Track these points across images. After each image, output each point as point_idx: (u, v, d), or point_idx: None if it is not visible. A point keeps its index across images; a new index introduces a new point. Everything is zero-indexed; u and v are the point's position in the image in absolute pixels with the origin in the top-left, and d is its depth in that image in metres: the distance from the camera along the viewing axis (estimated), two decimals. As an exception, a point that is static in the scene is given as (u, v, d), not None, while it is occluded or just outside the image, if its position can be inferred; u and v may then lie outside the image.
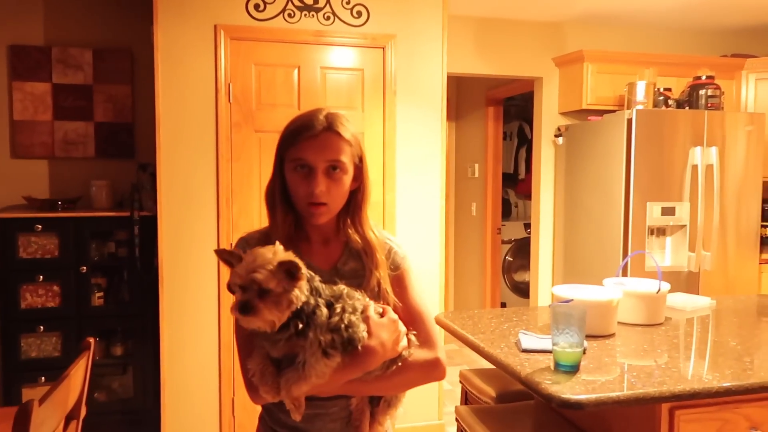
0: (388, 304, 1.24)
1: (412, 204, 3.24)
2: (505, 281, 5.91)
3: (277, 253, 1.09)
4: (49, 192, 3.53)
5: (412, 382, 1.24)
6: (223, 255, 1.12)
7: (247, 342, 1.19)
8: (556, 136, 4.23)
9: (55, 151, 3.49)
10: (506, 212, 6.31)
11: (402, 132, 3.26)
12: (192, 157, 3.01)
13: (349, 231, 1.29)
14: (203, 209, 3.05)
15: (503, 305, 5.77)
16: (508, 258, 5.97)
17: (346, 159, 1.23)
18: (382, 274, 1.27)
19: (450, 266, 6.00)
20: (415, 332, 1.26)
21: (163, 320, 3.04)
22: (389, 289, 1.27)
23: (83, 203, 3.45)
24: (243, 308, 1.06)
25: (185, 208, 3.02)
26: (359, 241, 1.28)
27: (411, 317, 1.27)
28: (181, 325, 3.06)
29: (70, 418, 1.38)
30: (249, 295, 1.07)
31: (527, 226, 5.79)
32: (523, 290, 5.84)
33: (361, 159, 1.28)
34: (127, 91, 3.56)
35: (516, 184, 6.53)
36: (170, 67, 2.95)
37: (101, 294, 3.32)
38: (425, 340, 1.27)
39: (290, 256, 1.09)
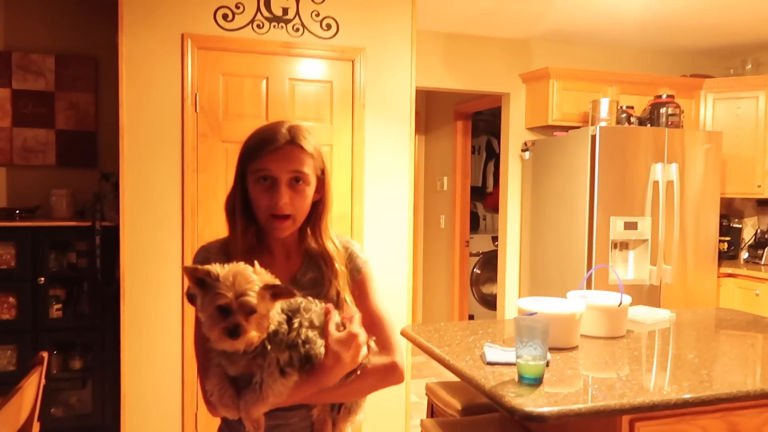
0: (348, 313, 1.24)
1: (380, 216, 3.24)
2: (473, 293, 5.94)
3: (259, 272, 1.08)
4: (6, 200, 3.42)
5: (370, 387, 1.25)
6: (195, 274, 1.07)
7: (207, 358, 1.17)
8: (523, 150, 4.29)
9: (14, 159, 3.40)
10: (474, 225, 6.36)
11: (370, 144, 3.26)
12: (157, 167, 2.96)
13: (310, 241, 1.30)
14: (168, 220, 2.99)
15: (471, 317, 5.80)
16: (476, 270, 6.01)
17: (309, 171, 1.24)
18: (342, 284, 1.28)
19: (418, 279, 6.02)
20: (374, 338, 1.26)
21: (124, 333, 2.96)
22: (348, 299, 1.28)
23: (42, 213, 3.35)
24: (233, 332, 1.04)
25: (149, 219, 2.96)
26: (319, 251, 1.29)
27: (370, 322, 1.28)
28: (142, 338, 2.99)
29: (21, 435, 1.33)
30: (238, 318, 1.04)
31: (495, 239, 5.85)
32: (490, 303, 5.88)
33: (323, 171, 1.28)
34: (91, 98, 3.49)
35: (484, 198, 6.59)
36: (135, 75, 2.90)
37: (59, 306, 3.23)
38: (384, 346, 1.28)
39: (272, 278, 1.09)
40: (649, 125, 3.93)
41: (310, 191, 1.25)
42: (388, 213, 3.27)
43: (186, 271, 1.07)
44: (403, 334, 2.19)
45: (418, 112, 5.95)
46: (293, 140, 1.22)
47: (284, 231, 1.24)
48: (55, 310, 3.22)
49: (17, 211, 3.19)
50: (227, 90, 3.01)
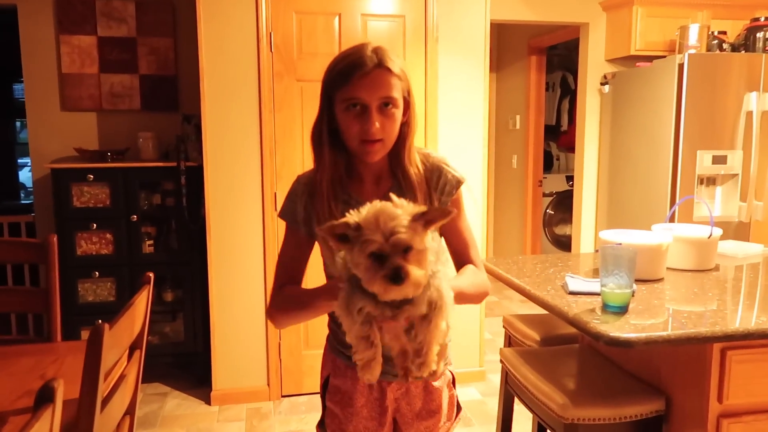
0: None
1: (454, 155, 3.21)
2: (546, 235, 5.86)
3: (400, 205, 0.98)
4: (98, 144, 3.63)
5: (475, 299, 1.32)
6: (334, 231, 0.97)
7: (287, 268, 1.31)
8: (602, 84, 4.11)
9: (103, 104, 3.57)
10: (548, 165, 6.21)
11: (444, 81, 3.21)
12: (235, 108, 3.03)
13: (397, 164, 1.29)
14: (247, 159, 3.09)
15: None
16: (549, 211, 5.91)
17: (398, 94, 1.22)
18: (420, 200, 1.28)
19: (490, 219, 5.98)
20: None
21: (211, 268, 3.13)
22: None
23: (131, 155, 3.54)
24: (396, 277, 0.92)
25: (230, 159, 3.07)
26: (403, 173, 1.29)
27: (462, 243, 1.34)
28: (228, 273, 3.15)
29: (134, 348, 1.46)
30: (396, 260, 0.93)
31: (569, 179, 5.70)
32: (564, 244, 5.79)
33: (409, 92, 1.27)
34: (170, 43, 3.59)
35: (558, 137, 6.39)
36: (212, 18, 2.95)
37: (151, 242, 3.44)
38: (477, 264, 1.35)
39: (416, 206, 0.99)
40: (743, 51, 3.65)
41: (399, 114, 1.23)
42: (462, 151, 3.24)
43: (323, 231, 0.99)
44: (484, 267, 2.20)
45: (490, 47, 5.77)
46: (381, 63, 1.19)
47: (376, 155, 1.24)
48: (147, 246, 3.43)
49: (109, 154, 3.38)
50: (301, 28, 3.02)
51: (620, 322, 1.52)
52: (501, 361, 2.08)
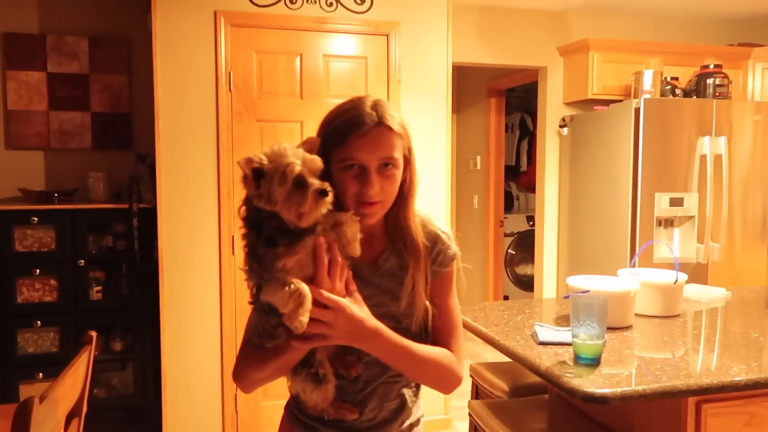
0: (421, 308, 1.17)
1: (419, 197, 3.16)
2: (508, 274, 5.85)
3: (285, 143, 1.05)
4: (45, 184, 3.45)
5: (430, 370, 1.18)
6: (251, 164, 1.00)
7: (251, 346, 1.14)
8: (561, 126, 4.17)
9: (51, 142, 3.41)
10: (508, 205, 6.25)
11: (406, 122, 3.18)
12: (192, 148, 2.93)
13: (394, 225, 1.20)
14: (204, 201, 2.97)
15: (506, 298, 5.72)
16: (510, 251, 5.92)
17: (398, 154, 1.13)
18: (418, 275, 1.18)
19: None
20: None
21: (163, 314, 2.97)
22: (422, 291, 1.18)
23: (80, 195, 3.37)
24: (323, 192, 0.99)
25: (185, 200, 2.95)
26: (402, 236, 1.19)
27: (447, 323, 1.21)
28: (181, 319, 3.00)
29: (71, 415, 1.32)
30: (316, 180, 1.00)
31: (529, 218, 5.74)
32: (525, 283, 5.79)
33: (409, 150, 1.19)
34: (124, 80, 3.48)
35: (518, 177, 6.47)
36: (169, 55, 2.87)
37: (99, 288, 3.25)
38: (456, 352, 1.21)
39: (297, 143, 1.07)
40: (695, 97, 3.77)
41: (399, 174, 1.15)
42: (426, 192, 3.21)
43: (242, 163, 1.01)
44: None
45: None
46: (381, 121, 1.11)
47: (374, 217, 1.15)
48: (95, 292, 3.24)
49: (56, 195, 3.21)
50: (261, 68, 2.96)
51: (593, 375, 1.47)
52: (469, 414, 1.99)
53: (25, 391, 3.16)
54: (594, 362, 1.54)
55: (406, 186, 1.19)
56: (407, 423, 1.25)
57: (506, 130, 6.09)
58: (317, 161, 1.03)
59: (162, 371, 2.99)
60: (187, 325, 3.01)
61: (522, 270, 5.96)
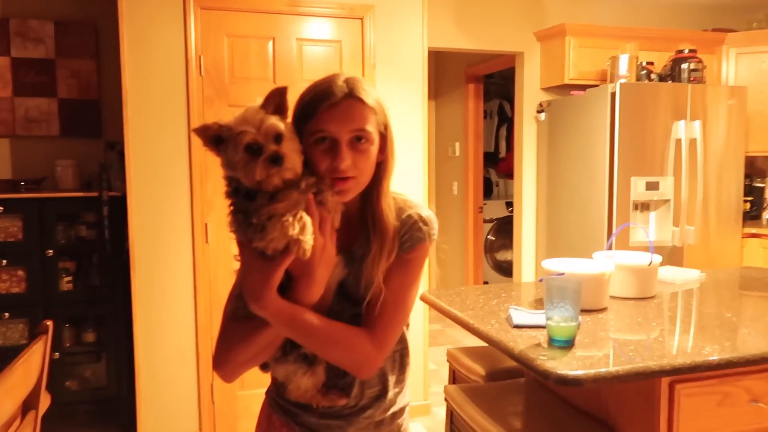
0: (377, 294, 1.11)
1: (393, 183, 3.13)
2: (487, 260, 5.86)
3: (257, 101, 1.05)
4: (11, 172, 3.35)
5: (335, 346, 1.10)
6: (207, 132, 1.01)
7: (230, 325, 1.10)
8: (538, 111, 4.16)
9: (17, 130, 3.31)
10: (488, 191, 6.26)
11: (384, 101, 3.14)
12: (162, 135, 2.86)
13: (368, 208, 1.14)
14: (176, 189, 2.91)
15: (485, 284, 5.73)
16: (490, 237, 5.93)
17: (372, 128, 1.09)
18: (381, 258, 1.11)
19: (431, 246, 5.93)
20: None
21: (136, 304, 2.91)
22: (380, 275, 1.11)
23: (49, 184, 3.28)
24: (275, 159, 0.98)
25: (156, 188, 2.88)
26: (372, 219, 1.13)
27: (382, 304, 1.11)
28: (155, 310, 2.94)
29: (28, 408, 1.27)
30: (271, 147, 0.99)
31: (509, 204, 5.74)
32: (505, 269, 5.80)
33: (386, 127, 1.14)
34: (92, 66, 3.38)
35: (497, 163, 6.47)
36: (137, 40, 2.79)
37: (69, 279, 3.17)
38: (377, 335, 1.11)
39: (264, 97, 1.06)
40: (670, 81, 3.78)
41: (374, 150, 1.11)
42: (402, 180, 3.17)
43: (197, 132, 1.01)
44: (423, 299, 2.11)
45: (428, 75, 5.79)
46: (352, 93, 1.07)
47: (347, 194, 1.10)
48: (66, 283, 3.16)
49: (22, 183, 3.12)
50: (232, 52, 2.89)
51: (567, 357, 1.45)
52: (446, 399, 1.98)
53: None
54: (568, 344, 1.52)
55: (383, 166, 1.14)
56: (390, 411, 1.21)
57: (485, 117, 6.07)
58: (276, 125, 1.01)
59: (135, 363, 2.93)
60: (161, 316, 2.95)
61: (502, 256, 5.97)
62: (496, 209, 5.91)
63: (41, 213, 3.05)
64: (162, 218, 2.91)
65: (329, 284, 1.09)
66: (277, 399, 1.23)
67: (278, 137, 1.00)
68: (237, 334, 1.09)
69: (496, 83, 6.25)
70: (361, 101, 1.08)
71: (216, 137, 1.01)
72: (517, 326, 1.69)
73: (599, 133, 3.58)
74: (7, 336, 3.10)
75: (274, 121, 1.01)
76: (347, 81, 1.09)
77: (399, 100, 3.19)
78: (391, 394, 1.20)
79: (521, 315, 1.74)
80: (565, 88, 4.04)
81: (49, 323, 1.25)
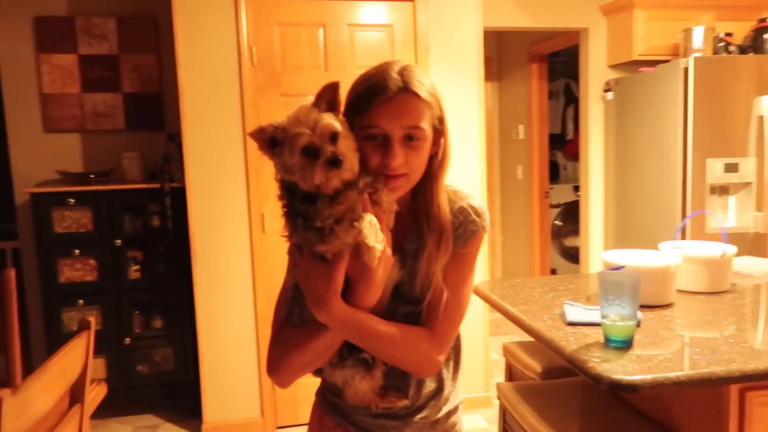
0: (437, 292, 1.07)
1: (451, 170, 3.04)
2: (555, 247, 5.67)
3: (308, 99, 1.00)
4: (82, 166, 3.51)
5: (395, 360, 1.09)
6: (263, 135, 0.97)
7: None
8: (605, 91, 3.94)
9: (86, 124, 3.46)
10: (554, 175, 6.04)
11: (439, 91, 3.05)
12: (218, 126, 2.90)
13: (421, 204, 1.10)
14: (232, 179, 2.95)
15: (553, 272, 5.56)
16: (558, 222, 5.73)
17: (426, 124, 1.04)
18: (438, 255, 1.08)
19: (496, 232, 5.81)
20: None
21: (197, 293, 2.98)
22: (440, 274, 1.07)
23: (116, 176, 3.41)
24: (334, 162, 0.93)
25: (214, 179, 2.93)
26: (425, 216, 1.09)
27: (441, 302, 1.07)
28: (216, 298, 3.00)
29: (74, 401, 1.30)
30: (328, 148, 0.94)
31: (577, 188, 5.51)
32: (574, 256, 5.59)
33: (441, 120, 1.09)
34: (153, 60, 3.47)
35: (564, 146, 6.22)
36: (190, 32, 2.83)
37: (137, 267, 3.30)
38: (437, 334, 1.09)
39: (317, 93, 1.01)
40: (752, 53, 3.47)
41: (427, 147, 1.06)
42: (459, 167, 3.08)
43: (253, 135, 0.97)
44: (476, 291, 2.04)
45: (490, 57, 5.62)
46: (407, 87, 1.02)
47: (398, 191, 1.06)
48: (134, 272, 3.29)
49: (92, 176, 3.25)
50: (284, 41, 2.88)
51: (623, 359, 1.35)
52: (498, 397, 1.91)
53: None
54: (625, 345, 1.42)
55: (437, 161, 1.09)
56: (445, 409, 1.18)
57: (551, 98, 5.85)
58: (331, 125, 0.96)
59: (198, 349, 3.02)
60: (222, 304, 3.01)
61: (570, 242, 5.76)
62: (563, 193, 5.69)
63: (109, 204, 3.18)
64: (220, 208, 2.95)
65: (385, 286, 1.06)
66: (327, 394, 1.21)
67: (334, 137, 0.96)
68: (292, 339, 1.08)
69: (563, 62, 5.99)
70: (416, 96, 1.03)
71: (271, 140, 0.97)
72: (570, 323, 1.59)
73: (671, 112, 3.35)
74: (81, 322, 3.25)
75: (329, 120, 0.96)
76: (402, 73, 1.04)
77: (454, 84, 3.09)
78: (446, 392, 1.18)
79: (576, 311, 1.64)
80: (634, 65, 3.80)
81: (92, 319, 1.28)
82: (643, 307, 1.67)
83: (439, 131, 1.09)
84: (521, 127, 5.26)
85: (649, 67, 3.60)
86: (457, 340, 1.19)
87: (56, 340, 3.19)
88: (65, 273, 3.18)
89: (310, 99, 1.00)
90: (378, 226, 0.98)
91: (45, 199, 3.11)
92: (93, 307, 3.25)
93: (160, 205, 3.21)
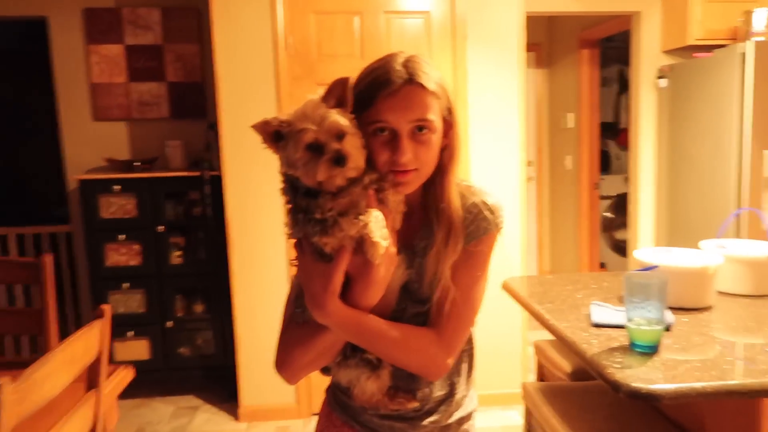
0: (445, 291, 1.03)
1: (488, 162, 2.97)
2: (605, 240, 5.49)
3: (317, 94, 0.99)
4: (129, 153, 3.61)
5: (403, 361, 1.06)
6: (267, 128, 0.96)
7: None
8: (659, 77, 3.75)
9: (132, 113, 3.55)
10: (605, 165, 5.83)
11: (475, 81, 2.98)
12: (254, 115, 2.86)
13: (431, 198, 1.06)
14: (267, 167, 2.94)
15: (602, 266, 5.39)
16: (608, 215, 5.53)
17: (434, 116, 1.00)
18: (447, 252, 1.04)
19: (544, 224, 5.67)
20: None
21: (233, 280, 3.03)
22: (447, 271, 1.03)
23: (160, 164, 3.49)
24: (338, 160, 0.92)
25: (249, 167, 2.95)
26: (436, 210, 1.05)
27: (450, 302, 1.03)
28: (251, 285, 3.04)
29: (91, 386, 1.33)
30: (334, 145, 0.92)
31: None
32: (624, 250, 5.39)
33: (450, 111, 1.05)
34: (196, 49, 3.53)
35: (617, 135, 5.99)
36: (227, 22, 2.85)
37: (180, 253, 3.38)
38: (444, 336, 1.05)
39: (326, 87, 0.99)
40: (822, 37, 3.22)
41: (436, 139, 1.02)
42: (497, 158, 3.00)
43: (257, 128, 0.96)
44: (504, 287, 1.98)
45: (539, 42, 5.45)
46: (412, 78, 0.98)
47: (408, 186, 1.03)
48: (176, 257, 3.37)
49: (136, 163, 3.34)
50: (319, 29, 2.86)
51: (647, 366, 1.27)
52: (522, 397, 1.85)
53: (117, 348, 3.37)
54: (651, 350, 1.34)
55: (447, 153, 1.05)
56: (456, 415, 1.14)
57: (604, 85, 5.63)
58: (338, 122, 0.94)
59: (235, 335, 3.07)
60: (258, 290, 3.05)
61: (622, 235, 5.55)
62: (614, 185, 5.49)
63: (152, 191, 3.26)
64: (256, 197, 2.98)
65: (391, 286, 1.03)
66: (338, 394, 1.19)
67: (340, 135, 0.94)
68: (296, 338, 1.07)
69: (617, 47, 5.74)
70: (422, 87, 0.99)
71: (275, 134, 0.96)
72: (596, 325, 1.52)
73: (728, 100, 3.15)
74: (128, 305, 3.36)
75: (336, 117, 0.94)
76: (406, 64, 1.00)
77: (493, 72, 3.00)
78: (458, 396, 1.13)
79: (603, 312, 1.56)
80: (690, 50, 3.59)
81: (106, 308, 1.30)
82: (678, 309, 1.58)
83: (448, 122, 1.04)
84: (571, 116, 5.09)
85: (706, 53, 3.39)
86: (470, 342, 1.15)
87: (103, 321, 3.30)
88: (111, 257, 3.29)
89: (320, 93, 0.98)
90: (383, 222, 0.95)
91: (92, 185, 3.22)
92: (137, 291, 3.36)
93: (200, 193, 3.26)
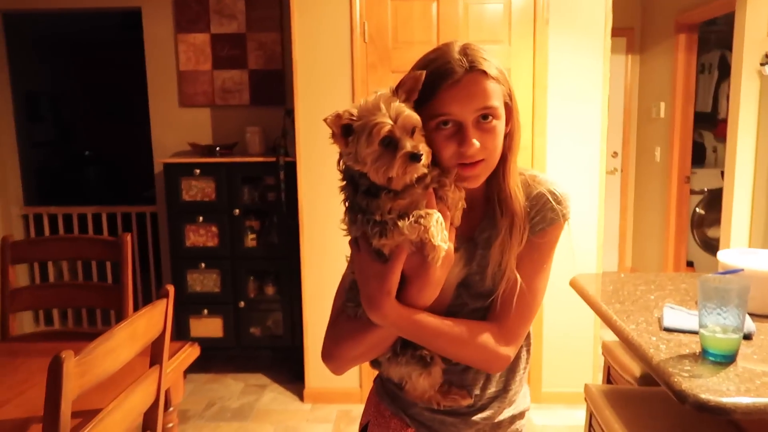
0: (510, 283, 1.00)
1: (566, 150, 2.85)
2: (695, 237, 5.16)
3: (384, 88, 0.95)
4: (212, 138, 3.75)
5: (463, 357, 1.04)
6: (339, 121, 0.92)
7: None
8: (762, 64, 3.45)
9: (215, 99, 3.68)
10: (699, 158, 5.45)
11: (555, 66, 2.86)
12: (328, 102, 2.94)
13: (494, 188, 1.03)
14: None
15: (690, 264, 5.07)
16: (699, 210, 5.19)
17: (498, 102, 0.98)
18: (511, 244, 1.01)
19: (628, 219, 5.41)
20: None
21: (303, 264, 3.09)
22: (512, 262, 1.00)
23: (240, 149, 3.61)
24: (415, 156, 0.90)
25: (323, 154, 2.99)
26: (497, 200, 1.03)
27: (512, 295, 1.01)
28: (320, 270, 3.09)
29: (153, 363, 1.39)
30: (408, 141, 0.90)
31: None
32: (716, 249, 5.04)
33: (510, 96, 1.01)
34: (276, 38, 3.60)
35: (715, 125, 5.58)
36: (305, 10, 2.88)
37: (254, 236, 3.48)
38: (505, 329, 1.02)
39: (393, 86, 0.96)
40: None
41: (501, 126, 0.99)
42: (576, 146, 2.87)
43: (329, 122, 0.92)
44: (572, 283, 1.89)
45: (631, 27, 5.16)
46: (473, 66, 0.96)
47: (477, 179, 1.00)
48: (250, 240, 3.48)
49: (217, 148, 3.47)
50: (396, 16, 2.84)
51: (718, 377, 1.18)
52: (585, 399, 1.77)
53: (194, 324, 3.53)
54: (726, 360, 1.24)
55: (508, 141, 1.02)
56: (508, 412, 1.11)
57: (701, 72, 5.26)
58: (413, 117, 0.92)
59: (303, 318, 3.13)
60: (326, 276, 3.09)
61: (713, 233, 5.20)
62: (707, 179, 5.13)
63: (230, 176, 3.38)
64: (327, 184, 3.01)
65: (448, 283, 1.01)
66: (387, 387, 1.18)
67: (414, 130, 0.92)
68: (346, 331, 1.07)
69: (719, 30, 5.33)
70: (485, 74, 0.96)
71: (345, 127, 0.93)
72: (667, 329, 1.42)
73: (843, 90, 2.85)
74: (204, 284, 3.51)
75: (411, 113, 0.92)
76: (464, 52, 0.97)
77: (576, 58, 2.86)
78: (511, 393, 1.11)
79: (676, 316, 1.46)
80: (801, 34, 3.28)
81: (170, 288, 1.35)
82: (760, 317, 1.45)
83: (509, 108, 1.01)
84: (662, 105, 4.80)
85: (818, 37, 3.08)
86: (528, 338, 1.12)
87: (181, 299, 3.47)
88: (191, 237, 3.44)
89: (391, 87, 0.95)
90: (444, 224, 0.93)
91: (175, 169, 3.38)
92: (213, 271, 3.50)
93: (275, 178, 3.34)
